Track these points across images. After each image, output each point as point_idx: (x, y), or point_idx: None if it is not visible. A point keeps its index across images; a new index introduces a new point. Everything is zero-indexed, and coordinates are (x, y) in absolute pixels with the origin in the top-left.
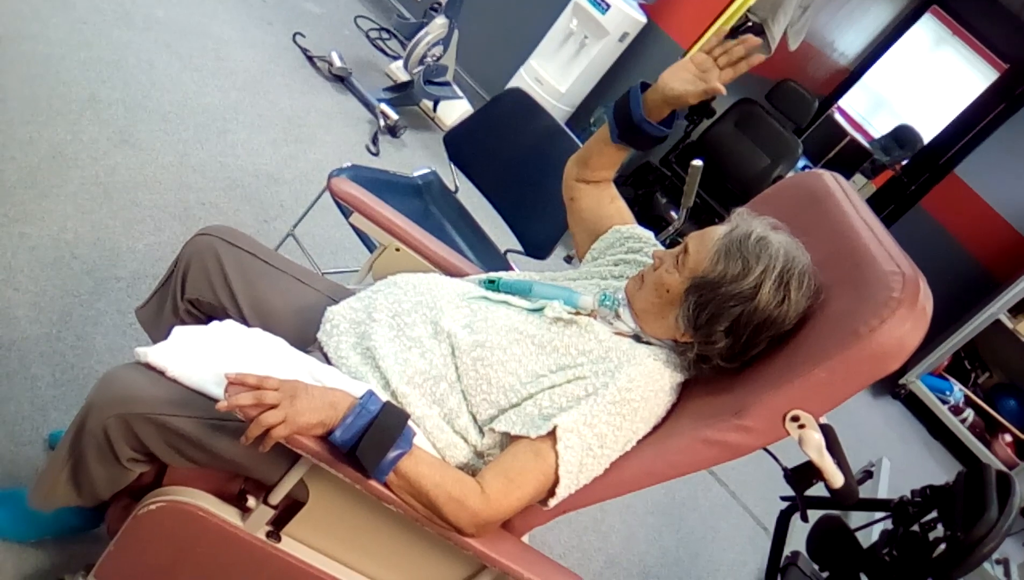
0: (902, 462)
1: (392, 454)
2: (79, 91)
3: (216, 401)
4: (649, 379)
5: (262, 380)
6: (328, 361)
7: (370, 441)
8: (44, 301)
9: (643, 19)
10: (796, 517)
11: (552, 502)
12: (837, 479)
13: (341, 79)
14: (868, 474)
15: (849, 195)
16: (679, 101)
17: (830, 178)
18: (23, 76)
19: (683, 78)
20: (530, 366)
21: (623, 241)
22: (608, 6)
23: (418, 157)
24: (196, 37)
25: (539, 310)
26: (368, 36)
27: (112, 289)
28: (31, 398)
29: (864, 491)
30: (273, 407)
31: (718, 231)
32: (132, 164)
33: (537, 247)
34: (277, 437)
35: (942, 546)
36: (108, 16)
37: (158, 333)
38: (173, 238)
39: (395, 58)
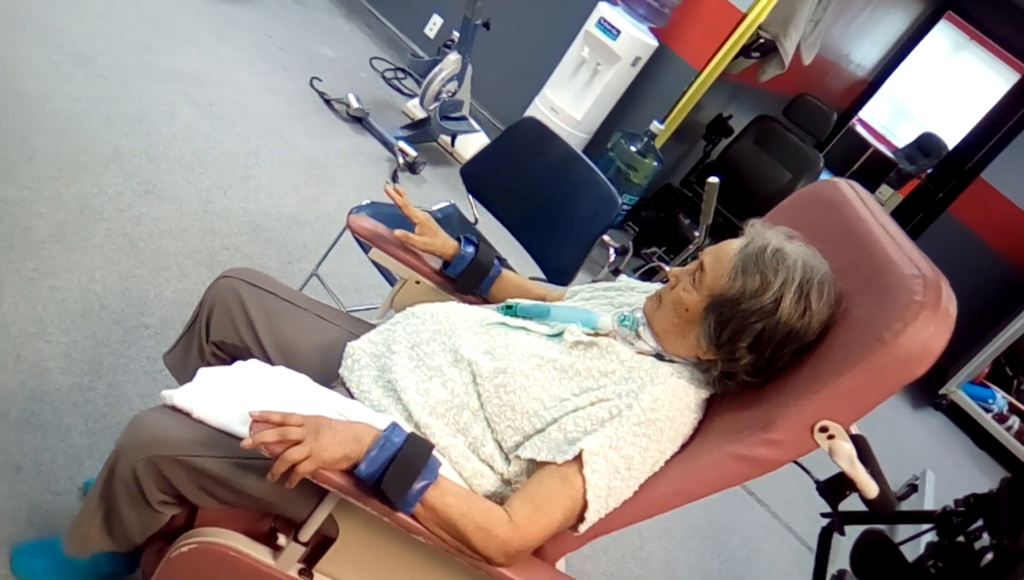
0: (947, 474)
1: (418, 485)
2: (103, 145)
3: (242, 440)
4: (674, 398)
5: (286, 416)
6: (352, 396)
7: (395, 473)
8: (75, 352)
9: (654, 43)
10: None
11: (582, 527)
12: (871, 489)
13: (359, 120)
14: (913, 488)
15: (865, 201)
16: (425, 246)
17: (845, 185)
18: (49, 133)
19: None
20: (553, 390)
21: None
22: (619, 32)
23: (438, 192)
24: (214, 86)
25: (558, 334)
26: (383, 76)
27: (141, 337)
28: (65, 448)
29: (910, 505)
30: (297, 443)
31: (733, 246)
32: (157, 213)
33: (558, 273)
34: (303, 473)
35: (989, 555)
36: (128, 71)
37: (186, 377)
38: (199, 284)
39: (411, 96)
